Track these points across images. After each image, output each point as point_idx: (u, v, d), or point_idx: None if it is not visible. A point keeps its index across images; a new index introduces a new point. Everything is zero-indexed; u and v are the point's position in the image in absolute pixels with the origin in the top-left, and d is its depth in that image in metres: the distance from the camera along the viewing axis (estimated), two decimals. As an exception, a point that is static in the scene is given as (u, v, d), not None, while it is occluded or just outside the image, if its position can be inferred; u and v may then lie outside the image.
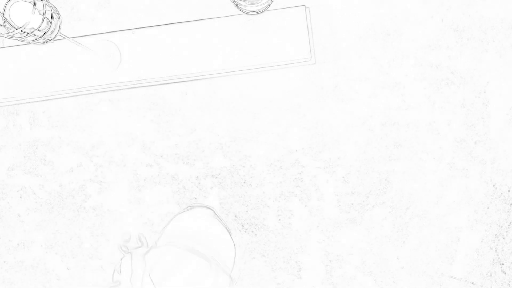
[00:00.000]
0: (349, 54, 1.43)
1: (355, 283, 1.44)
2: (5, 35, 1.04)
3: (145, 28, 1.41)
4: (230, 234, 1.42)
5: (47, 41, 1.13)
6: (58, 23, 1.14)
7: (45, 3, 1.08)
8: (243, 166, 1.45)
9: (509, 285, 1.42)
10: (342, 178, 1.44)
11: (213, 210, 1.43)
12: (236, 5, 1.29)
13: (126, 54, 1.40)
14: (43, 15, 1.07)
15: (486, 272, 1.43)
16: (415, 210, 1.43)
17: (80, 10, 1.45)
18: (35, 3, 1.05)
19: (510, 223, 1.42)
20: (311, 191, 1.44)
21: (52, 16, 1.10)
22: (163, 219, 1.46)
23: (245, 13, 1.34)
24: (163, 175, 1.46)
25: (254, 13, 1.35)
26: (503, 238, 1.42)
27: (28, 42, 1.11)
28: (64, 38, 1.20)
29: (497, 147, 1.42)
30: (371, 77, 1.43)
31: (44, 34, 1.10)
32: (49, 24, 1.10)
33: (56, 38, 1.15)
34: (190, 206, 1.44)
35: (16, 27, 1.05)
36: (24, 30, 1.06)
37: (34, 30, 1.07)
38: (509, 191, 1.42)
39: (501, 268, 1.43)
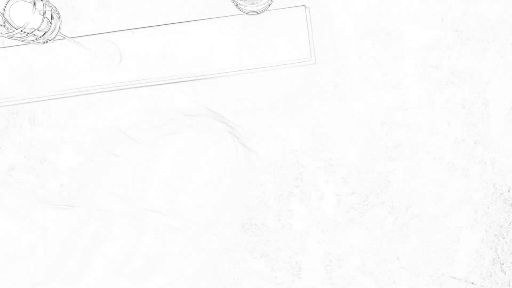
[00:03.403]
0: (349, 54, 1.43)
1: (355, 283, 1.44)
2: (5, 35, 1.04)
3: (145, 28, 1.41)
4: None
5: (47, 41, 1.13)
6: (58, 23, 1.14)
7: (45, 3, 1.08)
8: (243, 166, 1.45)
9: (509, 285, 1.42)
10: (342, 178, 1.44)
11: None
12: (236, 5, 1.29)
13: (126, 54, 1.40)
14: (43, 15, 1.07)
15: (486, 272, 1.43)
16: (415, 210, 1.43)
17: (80, 10, 1.45)
18: (35, 3, 1.05)
19: (510, 223, 1.42)
20: (311, 191, 1.44)
21: (52, 16, 1.10)
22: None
23: (245, 13, 1.34)
24: (163, 175, 1.46)
25: (254, 13, 1.35)
26: (503, 238, 1.42)
27: (28, 42, 1.11)
28: (64, 38, 1.20)
29: (497, 147, 1.42)
30: (371, 77, 1.43)
31: (44, 34, 1.09)
32: (49, 24, 1.10)
33: (56, 38, 1.15)
34: None
35: (16, 27, 1.05)
36: (24, 30, 1.06)
37: (34, 30, 1.07)
38: (509, 191, 1.42)
39: (501, 268, 1.43)
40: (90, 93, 1.44)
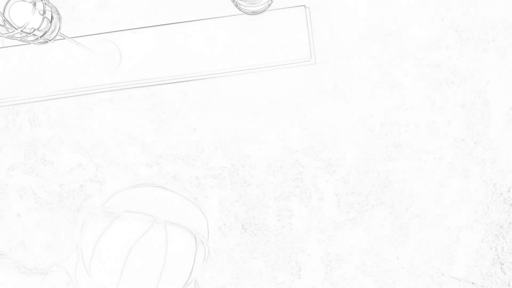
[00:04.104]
0: (349, 54, 1.43)
1: (355, 283, 1.44)
2: (5, 35, 1.04)
3: (145, 28, 1.41)
4: (195, 205, 1.39)
5: (47, 41, 1.13)
6: (58, 23, 1.14)
7: (45, 3, 1.07)
8: (243, 166, 1.45)
9: (509, 285, 1.42)
10: (342, 178, 1.44)
11: (162, 187, 1.39)
12: (236, 5, 1.29)
13: (126, 54, 1.40)
14: (43, 15, 1.07)
15: (486, 272, 1.43)
16: (415, 210, 1.43)
17: (80, 10, 1.45)
18: (35, 3, 1.05)
19: (510, 223, 1.42)
20: (311, 191, 1.44)
21: (52, 16, 1.10)
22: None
23: (245, 13, 1.34)
24: (163, 175, 1.46)
25: (254, 13, 1.35)
26: (503, 238, 1.42)
27: (28, 42, 1.11)
28: (64, 38, 1.20)
29: (497, 147, 1.42)
30: (371, 77, 1.43)
31: (44, 34, 1.09)
32: (49, 24, 1.10)
33: (56, 38, 1.15)
34: (137, 184, 1.41)
35: (16, 27, 1.05)
36: (24, 30, 1.06)
37: (34, 30, 1.06)
38: (509, 191, 1.42)
39: (501, 268, 1.43)
40: (90, 93, 1.44)
